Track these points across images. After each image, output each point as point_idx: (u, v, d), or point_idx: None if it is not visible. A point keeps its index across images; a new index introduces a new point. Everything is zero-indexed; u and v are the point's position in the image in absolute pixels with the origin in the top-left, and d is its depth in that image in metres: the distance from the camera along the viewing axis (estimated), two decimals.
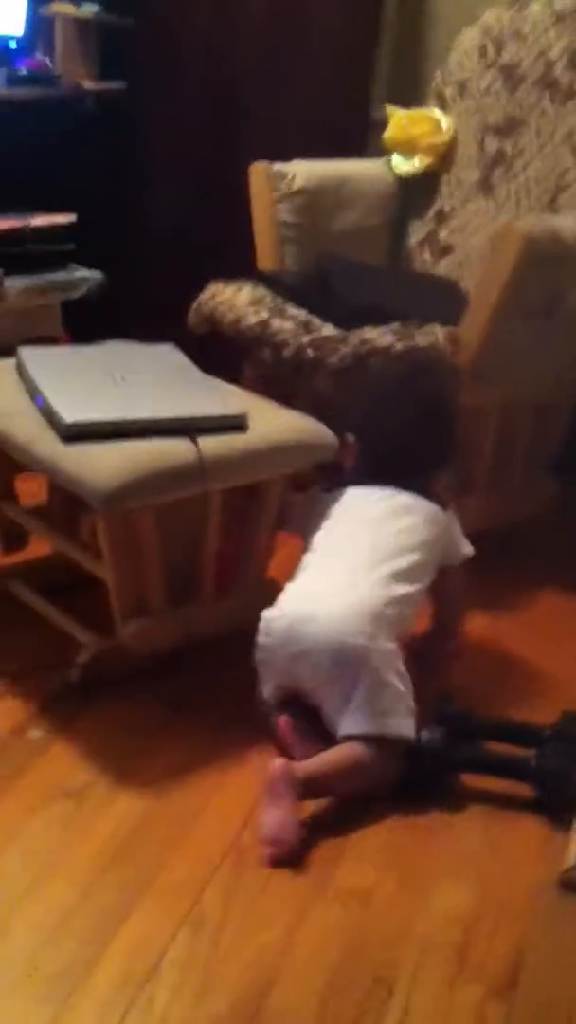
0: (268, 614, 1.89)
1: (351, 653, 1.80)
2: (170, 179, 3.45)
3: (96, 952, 1.47)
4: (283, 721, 1.86)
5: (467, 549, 2.09)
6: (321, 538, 1.99)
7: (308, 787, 1.73)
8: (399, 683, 1.83)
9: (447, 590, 2.09)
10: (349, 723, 1.80)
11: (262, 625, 1.89)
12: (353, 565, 1.90)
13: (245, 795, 1.79)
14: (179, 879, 1.61)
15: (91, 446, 1.87)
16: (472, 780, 1.86)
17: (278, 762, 1.72)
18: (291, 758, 1.77)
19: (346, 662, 1.80)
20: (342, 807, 1.78)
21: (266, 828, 1.68)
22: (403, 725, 1.81)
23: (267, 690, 1.90)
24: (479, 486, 2.53)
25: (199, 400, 2.03)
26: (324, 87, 3.21)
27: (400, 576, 1.90)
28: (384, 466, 2.03)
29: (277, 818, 1.68)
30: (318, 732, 1.85)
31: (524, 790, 1.83)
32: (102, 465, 1.83)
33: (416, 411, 2.04)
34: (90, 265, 2.92)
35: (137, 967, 1.46)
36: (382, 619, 1.84)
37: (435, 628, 2.16)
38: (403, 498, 1.99)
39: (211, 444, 1.91)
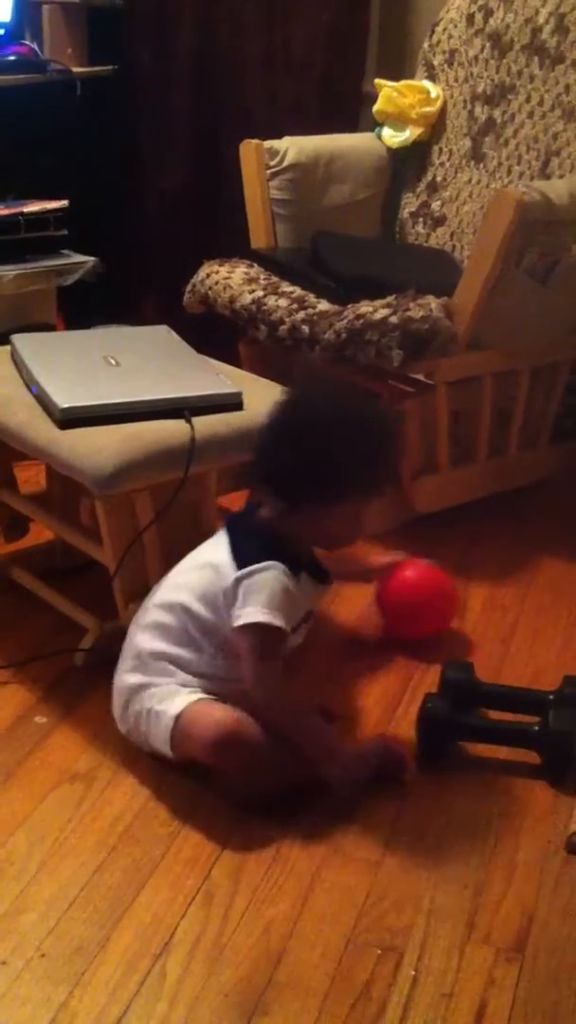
0: None
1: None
2: (162, 160, 3.45)
3: (107, 931, 1.49)
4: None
5: (249, 618, 1.70)
6: None
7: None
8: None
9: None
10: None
11: None
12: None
13: None
14: (187, 857, 1.63)
15: (87, 430, 1.88)
16: (478, 748, 1.87)
17: None
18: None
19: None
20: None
21: None
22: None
23: None
24: (479, 452, 2.54)
25: (194, 380, 2.03)
26: (317, 63, 3.20)
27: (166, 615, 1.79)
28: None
29: None
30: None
31: (529, 756, 1.83)
32: (98, 449, 1.83)
33: (276, 433, 1.77)
34: (84, 250, 2.92)
35: (148, 944, 1.48)
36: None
37: None
38: (206, 549, 1.83)
39: (207, 424, 1.91)
